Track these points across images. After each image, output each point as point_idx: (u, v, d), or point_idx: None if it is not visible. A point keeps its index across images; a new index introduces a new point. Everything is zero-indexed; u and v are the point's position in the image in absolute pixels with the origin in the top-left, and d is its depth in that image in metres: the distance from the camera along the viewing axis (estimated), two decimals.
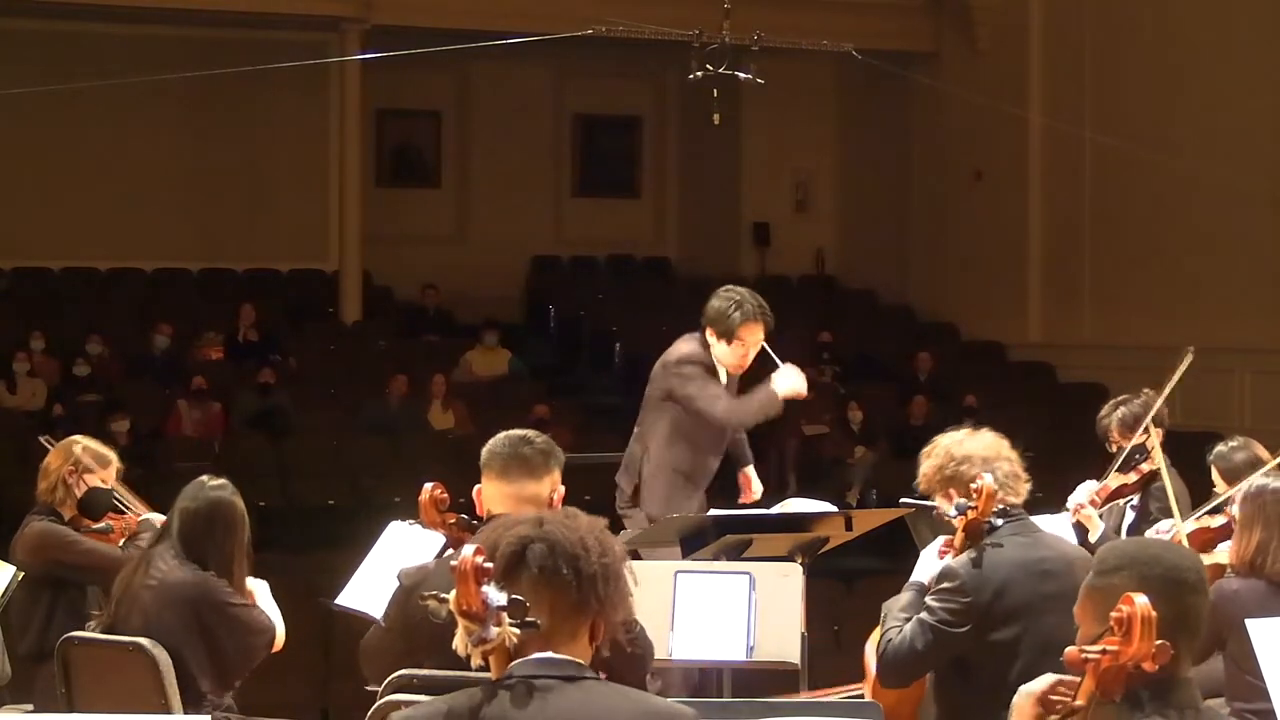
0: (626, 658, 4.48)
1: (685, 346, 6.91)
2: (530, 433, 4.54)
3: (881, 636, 4.73)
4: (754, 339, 6.79)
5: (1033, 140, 17.32)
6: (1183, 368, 6.77)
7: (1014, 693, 4.09)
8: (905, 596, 4.79)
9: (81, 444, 6.16)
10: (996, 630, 4.58)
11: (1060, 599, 4.42)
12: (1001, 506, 4.68)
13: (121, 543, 6.02)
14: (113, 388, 14.84)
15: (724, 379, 6.90)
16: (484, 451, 4.48)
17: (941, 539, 4.87)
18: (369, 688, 4.34)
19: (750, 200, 19.89)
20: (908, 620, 4.67)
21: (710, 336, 6.83)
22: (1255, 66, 15.16)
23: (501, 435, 4.51)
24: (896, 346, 17.84)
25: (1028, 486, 4.79)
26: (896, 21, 18.06)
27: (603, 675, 4.54)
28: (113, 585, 5.61)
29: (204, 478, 5.49)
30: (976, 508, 4.63)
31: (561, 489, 4.46)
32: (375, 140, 19.04)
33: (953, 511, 4.69)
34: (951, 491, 4.75)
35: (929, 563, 4.85)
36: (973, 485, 4.64)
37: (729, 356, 6.81)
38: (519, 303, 19.55)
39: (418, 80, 18.29)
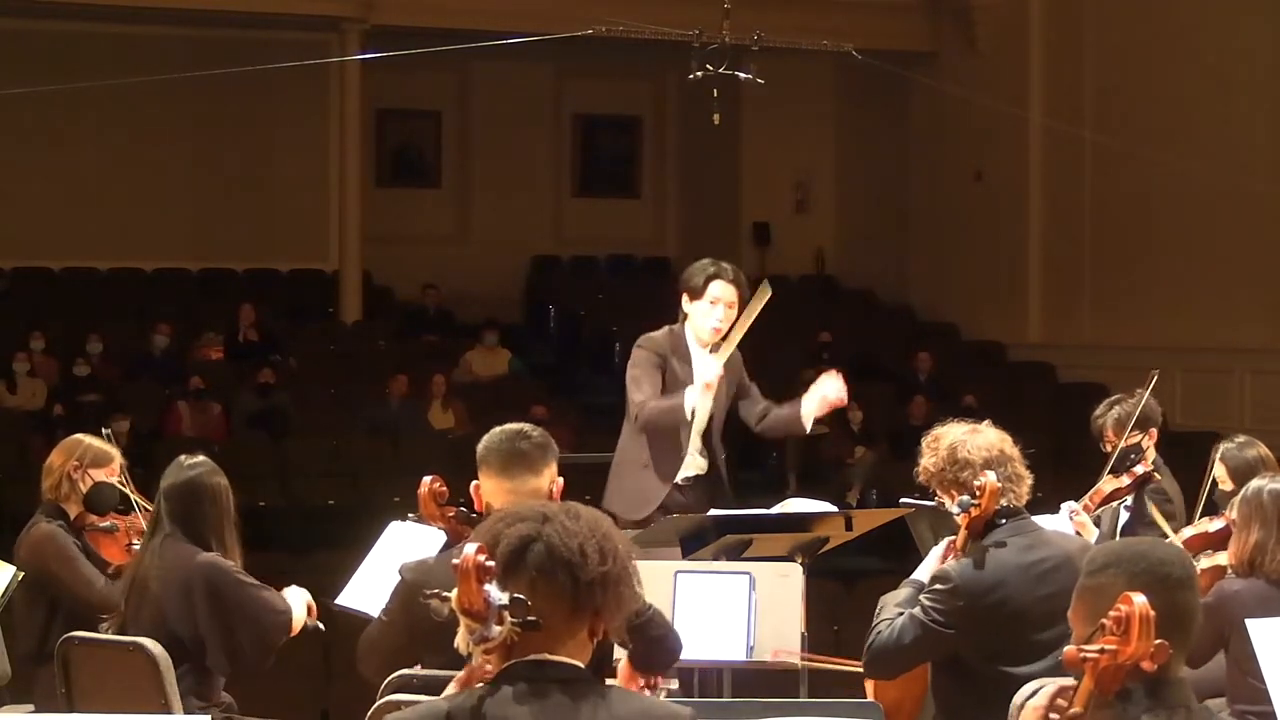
0: (649, 642, 4.47)
1: (652, 331, 6.89)
2: (526, 426, 4.53)
3: (872, 628, 4.73)
4: (725, 296, 6.72)
5: (1033, 140, 17.32)
6: (1149, 388, 6.79)
7: (1011, 693, 4.11)
8: (903, 592, 4.80)
9: (85, 441, 6.17)
10: (989, 633, 4.57)
11: (1058, 599, 4.45)
12: (1004, 504, 4.68)
13: (128, 544, 6.02)
14: (113, 388, 14.84)
15: (699, 357, 6.79)
16: (480, 448, 4.45)
17: (945, 541, 4.86)
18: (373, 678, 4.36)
19: (750, 200, 19.88)
20: (900, 615, 4.68)
21: (685, 303, 6.81)
22: (1255, 66, 15.17)
23: (497, 431, 4.49)
24: (896, 346, 17.83)
25: (1029, 485, 4.78)
26: (896, 21, 18.06)
27: (623, 660, 4.54)
28: (80, 610, 5.66)
29: (181, 458, 5.50)
30: (979, 505, 4.63)
31: (560, 481, 4.46)
32: (375, 140, 19.04)
33: (956, 509, 4.69)
34: (953, 491, 4.75)
35: (932, 564, 4.84)
36: (976, 483, 4.64)
37: (703, 317, 6.74)
38: (519, 303, 19.55)
39: (418, 80, 18.28)
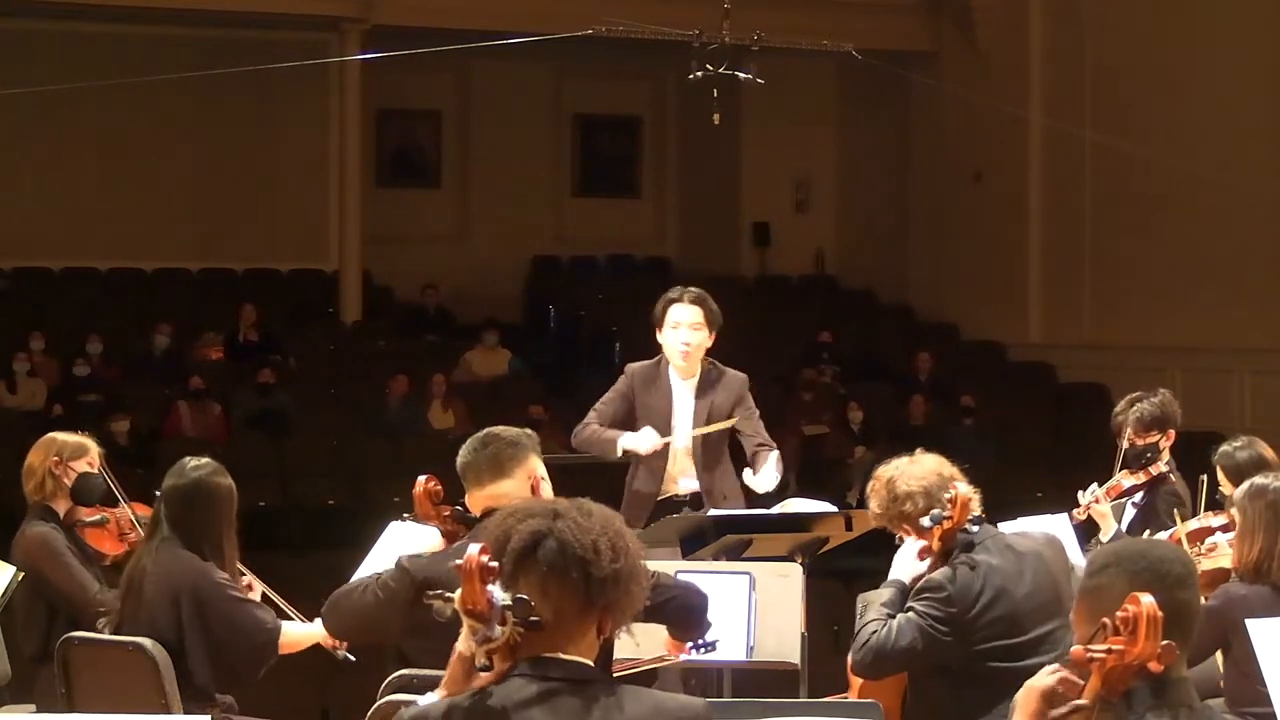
0: (671, 615, 4.45)
1: (645, 360, 7.08)
2: (495, 429, 4.53)
3: (861, 627, 4.76)
4: (685, 319, 6.86)
5: (1033, 140, 17.31)
6: None
7: (998, 690, 4.17)
8: (886, 593, 4.86)
9: (59, 438, 6.19)
10: (982, 636, 4.67)
11: (1036, 595, 4.69)
12: (974, 515, 4.76)
13: (120, 534, 6.04)
14: (113, 388, 14.84)
15: (677, 386, 6.90)
16: (457, 461, 4.51)
17: (917, 544, 4.89)
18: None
19: (750, 200, 19.88)
20: (890, 617, 4.72)
21: (658, 335, 6.96)
22: (1255, 66, 15.17)
23: (468, 441, 4.54)
24: (896, 346, 17.84)
25: (977, 500, 4.85)
26: (896, 21, 18.06)
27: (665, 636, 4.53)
28: (75, 613, 5.65)
29: (186, 459, 5.47)
30: (952, 517, 4.71)
31: (541, 475, 4.46)
32: (375, 140, 19.03)
33: (928, 522, 4.76)
34: (904, 526, 4.83)
35: (906, 560, 4.89)
36: (945, 496, 4.72)
37: (670, 347, 6.89)
38: (519, 303, 19.55)
39: (418, 80, 18.29)
